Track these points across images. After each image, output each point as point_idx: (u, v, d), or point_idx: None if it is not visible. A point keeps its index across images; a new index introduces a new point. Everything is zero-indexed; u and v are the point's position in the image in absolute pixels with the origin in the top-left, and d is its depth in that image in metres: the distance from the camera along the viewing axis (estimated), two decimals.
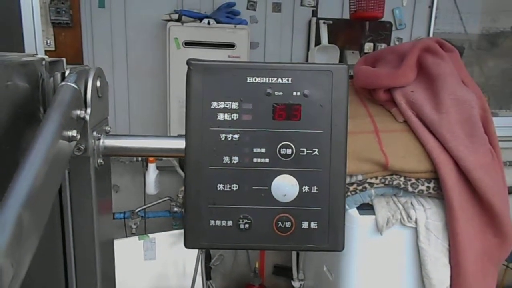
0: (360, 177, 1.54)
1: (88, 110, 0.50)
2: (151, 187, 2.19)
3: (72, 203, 0.57)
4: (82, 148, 0.51)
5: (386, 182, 1.54)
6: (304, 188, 0.41)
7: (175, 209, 2.26)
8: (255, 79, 0.40)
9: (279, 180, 0.40)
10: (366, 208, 1.58)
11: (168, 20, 2.08)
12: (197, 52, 2.06)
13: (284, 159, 0.40)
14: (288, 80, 0.41)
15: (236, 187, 0.41)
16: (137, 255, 2.27)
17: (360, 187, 1.55)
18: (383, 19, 2.29)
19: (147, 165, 2.24)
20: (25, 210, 0.33)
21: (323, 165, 0.40)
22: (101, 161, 0.56)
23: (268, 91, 0.40)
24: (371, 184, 1.54)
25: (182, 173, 2.34)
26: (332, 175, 0.40)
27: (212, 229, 0.41)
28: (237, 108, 0.40)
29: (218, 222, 0.41)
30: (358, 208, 1.58)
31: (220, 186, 0.41)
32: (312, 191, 0.41)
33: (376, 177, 1.55)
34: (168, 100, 2.18)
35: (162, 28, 2.16)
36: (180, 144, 0.48)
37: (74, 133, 0.45)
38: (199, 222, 0.41)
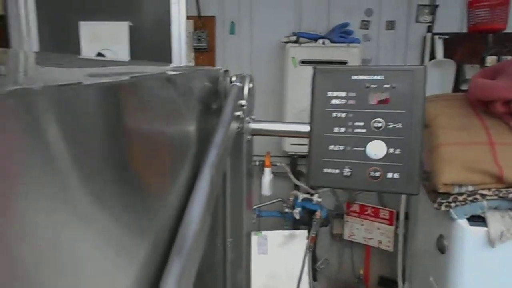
0: (470, 188, 1.56)
1: (245, 102, 0.75)
2: (266, 189, 2.46)
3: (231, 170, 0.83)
4: (240, 127, 0.77)
5: (501, 195, 1.53)
6: (390, 150, 0.59)
7: (286, 210, 2.50)
8: (358, 77, 0.61)
9: (372, 144, 0.60)
10: (477, 220, 1.58)
11: (287, 42, 2.37)
12: (311, 70, 2.30)
13: (376, 130, 0.60)
14: (381, 77, 0.60)
15: (342, 147, 0.61)
16: (252, 249, 2.55)
17: (470, 198, 1.55)
18: (508, 31, 2.21)
19: (263, 169, 2.52)
20: (214, 170, 0.58)
21: (404, 134, 0.59)
22: (249, 137, 0.82)
23: (366, 85, 0.60)
24: (483, 195, 1.54)
25: (294, 179, 2.58)
26: (411, 142, 0.58)
27: (325, 175, 0.62)
28: (344, 96, 0.61)
29: (329, 170, 0.62)
30: (468, 219, 1.58)
31: (331, 147, 0.62)
32: (396, 152, 0.59)
33: (489, 189, 1.54)
34: (284, 112, 2.46)
35: (281, 49, 2.46)
36: (305, 128, 0.71)
37: (240, 114, 0.71)
38: (317, 170, 0.63)
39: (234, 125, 0.72)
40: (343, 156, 0.61)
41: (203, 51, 2.53)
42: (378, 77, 0.60)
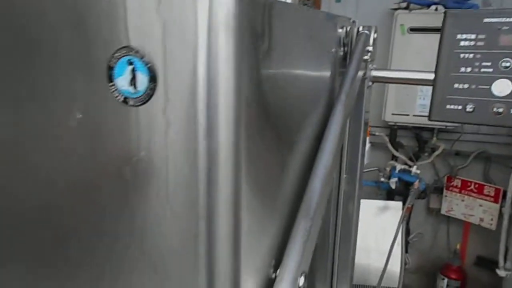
0: None
1: (372, 48, 0.83)
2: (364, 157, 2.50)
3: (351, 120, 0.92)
4: (364, 72, 0.86)
5: None
6: None
7: (382, 179, 2.52)
8: (490, 20, 0.65)
9: (498, 82, 0.64)
10: None
11: (396, 9, 2.33)
12: (421, 37, 2.25)
13: (504, 69, 0.64)
14: None
15: (467, 86, 0.67)
16: None
17: None
18: None
19: None
20: (342, 114, 0.66)
21: None
22: (370, 83, 0.90)
23: (498, 27, 0.64)
24: None
25: (393, 149, 2.58)
26: None
27: (448, 111, 0.68)
28: (474, 38, 0.66)
29: (452, 107, 0.68)
30: None
31: (456, 85, 0.68)
32: None
33: None
34: (386, 84, 2.44)
35: (388, 16, 2.43)
36: (428, 76, 0.76)
37: (367, 57, 0.79)
38: (440, 106, 0.69)
39: (360, 72, 0.81)
40: (467, 93, 0.67)
41: None
42: (510, 20, 0.64)
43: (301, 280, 0.48)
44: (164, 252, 0.39)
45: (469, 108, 0.67)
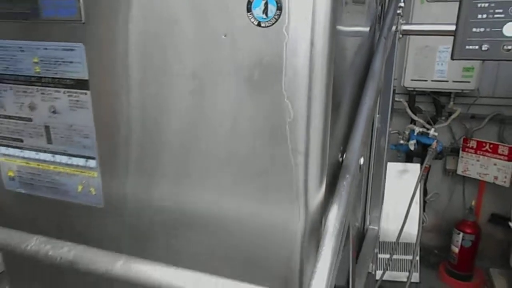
0: None
1: (403, 4, 1.01)
2: None
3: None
4: (396, 26, 1.03)
5: None
6: None
7: (401, 141, 2.69)
8: None
9: (508, 25, 0.82)
10: None
11: None
12: (439, 6, 2.38)
13: None
14: None
15: (482, 29, 0.84)
16: None
17: None
18: None
19: None
20: (386, 43, 0.85)
21: None
22: (400, 36, 1.08)
23: None
24: None
25: (412, 114, 2.74)
26: None
27: (467, 50, 0.86)
28: None
29: (471, 47, 0.86)
30: None
31: (474, 29, 0.85)
32: None
33: None
34: (406, 51, 2.58)
35: None
36: (451, 27, 0.94)
37: (400, 12, 0.97)
38: (461, 47, 0.87)
39: (393, 27, 0.98)
40: (483, 35, 0.85)
41: None
42: None
43: (361, 160, 0.67)
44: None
45: (484, 47, 0.85)
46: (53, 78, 0.72)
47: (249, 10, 0.54)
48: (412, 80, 2.57)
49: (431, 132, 2.55)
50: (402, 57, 2.56)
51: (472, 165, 2.67)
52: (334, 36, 0.55)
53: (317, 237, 0.62)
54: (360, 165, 0.67)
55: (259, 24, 0.54)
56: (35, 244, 0.66)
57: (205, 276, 0.58)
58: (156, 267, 0.60)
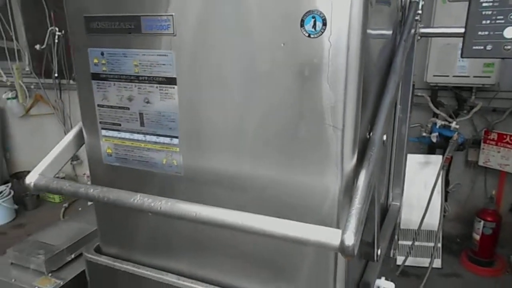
0: None
1: (420, 11, 1.20)
2: None
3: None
4: (415, 30, 1.22)
5: None
6: None
7: (424, 134, 2.85)
8: None
9: (507, 29, 1.00)
10: None
11: None
12: (460, 6, 2.52)
13: (511, 20, 1.00)
14: None
15: (486, 33, 1.03)
16: None
17: None
18: None
19: None
20: (402, 57, 1.05)
21: None
22: (419, 38, 1.26)
23: None
24: None
25: (434, 108, 2.89)
26: None
27: (474, 50, 1.05)
28: (491, 0, 1.02)
29: (476, 47, 1.04)
30: None
31: (479, 33, 1.04)
32: None
33: None
34: (428, 48, 2.73)
35: None
36: (460, 30, 1.12)
37: (418, 18, 1.16)
38: (469, 47, 1.06)
39: (412, 30, 1.18)
40: (487, 38, 1.03)
41: None
42: None
43: (384, 137, 0.88)
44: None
45: (488, 47, 1.03)
46: (148, 76, 0.95)
47: (302, 25, 0.76)
48: (434, 75, 2.72)
49: (453, 124, 2.70)
50: (424, 55, 2.72)
51: (493, 156, 2.80)
52: (364, 42, 0.76)
53: (350, 194, 0.83)
54: (384, 141, 0.88)
55: (309, 36, 0.76)
56: (139, 199, 0.89)
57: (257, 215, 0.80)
58: (224, 211, 0.82)
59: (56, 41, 3.88)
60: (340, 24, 0.74)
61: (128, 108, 1.01)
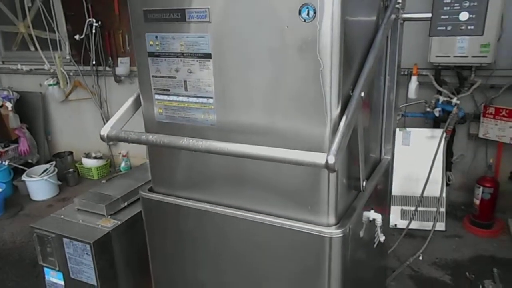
0: None
1: (401, 0, 1.50)
2: (412, 93, 3.10)
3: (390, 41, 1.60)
4: (397, 15, 1.53)
5: None
6: (470, 15, 1.29)
7: (428, 109, 3.12)
8: None
9: (461, 13, 1.30)
10: None
11: None
12: None
13: (464, 6, 1.30)
14: None
15: (447, 16, 1.33)
16: (397, 140, 3.26)
17: None
18: None
19: (410, 78, 3.13)
20: (383, 34, 1.37)
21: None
22: (401, 21, 1.57)
23: None
24: None
25: (437, 85, 3.15)
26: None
27: (438, 30, 1.35)
28: None
29: (440, 28, 1.35)
30: None
31: (442, 16, 1.34)
32: (471, 16, 1.28)
33: None
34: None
35: None
36: (429, 15, 1.42)
37: (399, 6, 1.47)
38: (434, 28, 1.36)
39: (393, 15, 1.49)
40: (447, 20, 1.34)
41: None
42: None
43: (363, 93, 1.21)
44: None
45: (448, 28, 1.34)
46: (190, 53, 1.31)
47: (299, 13, 1.09)
48: (437, 56, 2.99)
49: (454, 100, 2.97)
50: (427, 38, 2.98)
51: (491, 128, 3.06)
52: (343, 26, 1.09)
53: (336, 134, 1.17)
54: (362, 96, 1.20)
55: (304, 21, 1.09)
56: (186, 141, 1.26)
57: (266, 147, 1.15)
58: (245, 146, 1.17)
59: (94, 31, 4.30)
60: (325, 13, 1.07)
61: (175, 77, 1.37)
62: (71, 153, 4.92)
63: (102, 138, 1.42)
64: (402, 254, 2.90)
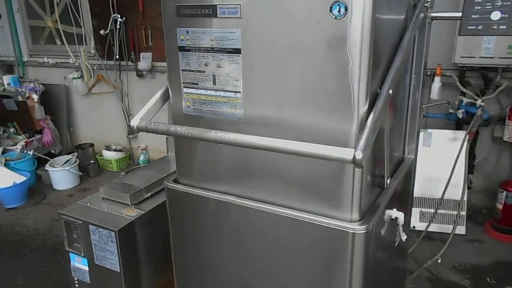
0: None
1: (429, 2, 1.49)
2: (435, 93, 3.07)
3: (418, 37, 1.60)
4: (425, 13, 1.52)
5: None
6: (503, 15, 1.28)
7: (451, 110, 3.09)
8: None
9: (494, 13, 1.29)
10: None
11: None
12: None
13: (496, 6, 1.29)
14: None
15: (478, 16, 1.32)
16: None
17: None
18: None
19: (433, 79, 3.10)
20: (412, 32, 1.37)
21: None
22: (430, 20, 1.56)
23: None
24: None
25: (461, 87, 3.11)
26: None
27: (468, 29, 1.35)
28: None
29: (470, 27, 1.34)
30: None
31: (473, 16, 1.34)
32: (504, 16, 1.27)
33: None
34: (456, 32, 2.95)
35: None
36: (459, 14, 1.42)
37: (428, 5, 1.47)
38: (464, 27, 1.36)
39: (422, 14, 1.48)
40: (478, 20, 1.33)
41: None
42: None
43: (390, 91, 1.21)
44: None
45: (479, 27, 1.33)
46: (220, 48, 1.33)
47: (330, 10, 1.11)
48: (462, 57, 2.95)
49: (478, 102, 2.93)
50: (452, 38, 2.95)
51: None
52: (373, 23, 1.10)
53: (363, 130, 1.18)
54: (389, 94, 1.21)
55: (335, 18, 1.11)
56: (214, 133, 1.28)
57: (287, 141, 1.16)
58: (272, 139, 1.19)
59: (118, 26, 4.38)
60: (356, 10, 1.08)
61: (204, 72, 1.40)
62: (92, 145, 5.02)
63: (132, 129, 1.46)
64: (420, 256, 2.88)
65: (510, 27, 1.26)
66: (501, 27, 1.27)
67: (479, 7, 1.32)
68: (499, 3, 1.28)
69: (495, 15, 1.29)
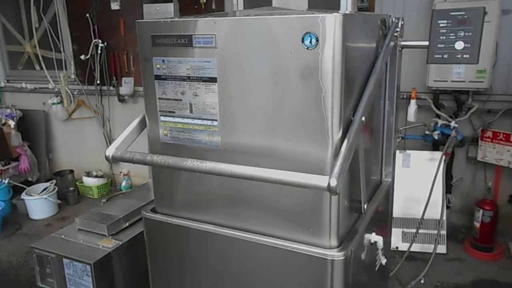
0: None
1: (400, 29, 1.55)
2: (411, 116, 3.14)
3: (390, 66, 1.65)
4: (395, 42, 1.58)
5: None
6: (466, 44, 1.33)
7: (427, 132, 3.16)
8: (453, 13, 1.35)
9: (457, 43, 1.35)
10: None
11: None
12: None
13: (460, 36, 1.35)
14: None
15: (443, 45, 1.38)
16: (397, 162, 3.29)
17: None
18: None
19: (409, 102, 3.18)
20: (383, 60, 1.42)
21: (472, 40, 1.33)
22: (400, 49, 1.62)
23: (458, 16, 1.35)
24: None
25: (435, 109, 3.20)
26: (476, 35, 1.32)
27: (435, 58, 1.40)
28: (445, 22, 1.37)
29: (437, 56, 1.40)
30: None
31: (438, 45, 1.39)
32: (466, 45, 1.33)
33: None
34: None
35: (429, 4, 3.03)
36: (426, 43, 1.48)
37: (397, 34, 1.52)
38: (431, 55, 1.41)
39: (392, 43, 1.54)
40: (444, 49, 1.39)
41: (365, 9, 3.28)
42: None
43: (363, 118, 1.24)
44: None
45: (445, 56, 1.39)
46: (196, 77, 1.35)
47: (302, 41, 1.14)
48: (435, 80, 3.05)
49: (452, 123, 3.01)
50: (425, 62, 3.04)
51: (489, 152, 3.09)
52: (344, 53, 1.13)
53: (338, 157, 1.20)
54: (362, 121, 1.24)
55: (307, 48, 1.14)
56: (190, 162, 1.28)
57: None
58: (249, 168, 1.20)
59: (99, 51, 4.38)
60: (327, 41, 1.12)
61: (181, 100, 1.41)
62: (71, 171, 4.93)
63: (107, 159, 1.44)
64: (403, 277, 2.89)
65: (473, 56, 1.32)
66: (464, 56, 1.33)
67: (444, 37, 1.38)
68: (462, 34, 1.34)
69: (459, 45, 1.35)
